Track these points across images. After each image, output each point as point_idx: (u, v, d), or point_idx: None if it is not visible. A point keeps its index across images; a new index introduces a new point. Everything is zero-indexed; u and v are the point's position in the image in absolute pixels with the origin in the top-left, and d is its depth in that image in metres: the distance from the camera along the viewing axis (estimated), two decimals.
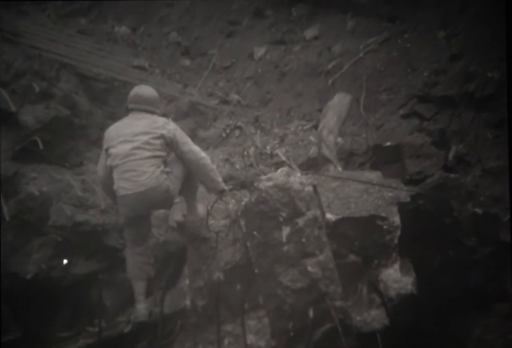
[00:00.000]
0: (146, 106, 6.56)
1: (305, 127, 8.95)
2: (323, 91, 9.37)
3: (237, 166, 8.12)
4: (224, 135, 8.81)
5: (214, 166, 6.75)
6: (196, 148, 6.57)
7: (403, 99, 8.60)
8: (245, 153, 8.32)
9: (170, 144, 6.42)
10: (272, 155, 8.37)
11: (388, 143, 7.83)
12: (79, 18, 11.55)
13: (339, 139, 8.10)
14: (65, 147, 8.02)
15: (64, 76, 8.66)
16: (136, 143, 6.29)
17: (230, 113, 9.36)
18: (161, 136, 6.36)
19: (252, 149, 8.42)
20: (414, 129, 7.96)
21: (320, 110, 8.81)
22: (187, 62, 10.51)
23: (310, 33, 10.39)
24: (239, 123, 9.07)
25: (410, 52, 9.20)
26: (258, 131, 8.98)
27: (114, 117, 8.46)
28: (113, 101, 8.63)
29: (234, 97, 9.75)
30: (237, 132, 8.96)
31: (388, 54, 9.38)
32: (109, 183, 6.47)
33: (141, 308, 6.58)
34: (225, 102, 9.63)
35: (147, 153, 6.30)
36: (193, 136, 8.50)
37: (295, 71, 9.87)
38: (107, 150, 6.43)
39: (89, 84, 8.95)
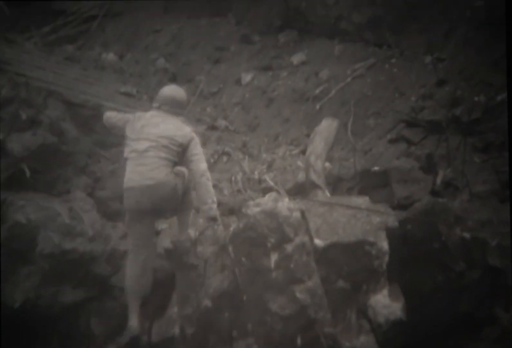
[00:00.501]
0: (176, 109, 7.02)
1: (293, 152, 9.04)
2: (311, 116, 9.48)
3: (225, 192, 8.20)
4: (212, 160, 8.85)
5: (213, 191, 6.83)
6: (203, 164, 6.83)
7: (391, 123, 8.71)
8: (233, 178, 8.42)
9: (183, 150, 6.76)
10: (260, 181, 8.44)
11: (376, 168, 7.94)
12: (66, 45, 11.63)
13: (327, 164, 8.19)
14: (53, 174, 8.06)
15: (51, 103, 8.67)
16: (155, 143, 6.67)
17: (218, 138, 9.45)
18: (180, 145, 6.73)
19: (240, 174, 8.51)
20: (402, 154, 8.06)
21: (307, 135, 8.93)
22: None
23: (297, 58, 10.51)
24: (227, 149, 9.15)
25: (397, 77, 9.35)
26: (246, 157, 9.05)
27: (102, 144, 8.60)
28: (100, 128, 8.61)
29: (222, 122, 9.84)
30: (225, 158, 9.03)
31: (375, 79, 9.52)
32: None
33: (134, 323, 6.61)
34: (212, 127, 9.71)
35: (162, 154, 6.67)
36: None
37: (283, 97, 9.97)
38: (126, 139, 6.85)
39: (76, 111, 8.96)
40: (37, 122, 8.25)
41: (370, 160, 8.24)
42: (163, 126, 6.81)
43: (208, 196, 6.69)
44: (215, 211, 6.72)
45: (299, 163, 8.62)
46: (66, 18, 12.21)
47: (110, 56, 11.30)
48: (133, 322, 6.62)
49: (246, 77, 10.51)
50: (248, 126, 9.81)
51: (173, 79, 10.70)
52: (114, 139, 8.48)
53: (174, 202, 6.76)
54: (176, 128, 6.85)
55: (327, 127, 8.34)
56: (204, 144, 9.14)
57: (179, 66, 11.05)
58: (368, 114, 9.11)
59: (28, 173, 7.76)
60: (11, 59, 9.28)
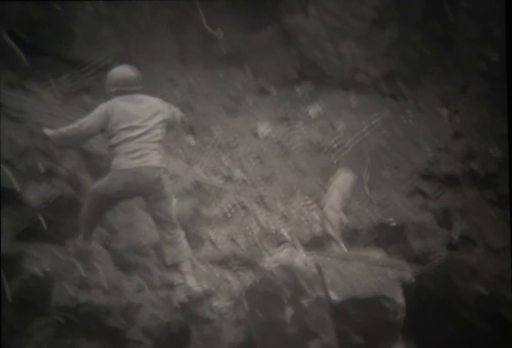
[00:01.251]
0: (138, 87, 7.60)
1: (309, 205, 9.17)
2: (327, 168, 9.64)
3: (241, 246, 8.34)
4: (228, 214, 9.00)
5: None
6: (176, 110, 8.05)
7: (407, 176, 8.87)
8: (249, 232, 8.56)
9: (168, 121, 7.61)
10: (276, 234, 8.57)
11: (392, 221, 8.06)
12: (83, 94, 11.81)
13: (343, 217, 8.32)
14: (69, 226, 8.14)
15: (68, 153, 8.80)
16: (144, 129, 7.26)
17: (234, 191, 9.58)
18: (164, 120, 7.48)
19: (256, 228, 8.65)
20: (418, 207, 8.20)
21: (324, 188, 9.10)
22: (191, 139, 10.73)
23: (313, 110, 10.76)
24: (243, 202, 9.28)
25: (412, 129, 9.51)
26: (262, 210, 9.18)
27: None
28: None
29: (238, 175, 9.98)
30: (241, 211, 9.17)
31: (391, 131, 9.70)
32: (85, 134, 7.63)
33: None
34: (228, 179, 9.85)
35: (152, 138, 7.30)
36: (197, 215, 8.74)
37: (299, 148, 10.15)
38: (111, 130, 7.35)
39: (92, 162, 9.03)
40: (54, 173, 8.34)
41: (386, 213, 8.37)
42: (140, 109, 7.39)
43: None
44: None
45: (315, 216, 8.76)
46: (83, 67, 12.42)
47: None
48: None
49: (262, 128, 10.70)
50: (264, 178, 9.94)
51: (190, 131, 10.88)
52: None
53: (159, 189, 7.36)
54: (151, 106, 7.50)
55: (343, 179, 8.51)
56: (220, 197, 9.33)
57: (194, 116, 11.18)
58: (384, 166, 9.28)
59: (44, 225, 7.80)
60: (28, 108, 9.45)
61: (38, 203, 7.95)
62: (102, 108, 7.55)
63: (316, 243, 8.08)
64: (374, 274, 7.00)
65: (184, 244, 7.45)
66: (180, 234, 7.50)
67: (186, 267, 7.35)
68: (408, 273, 7.04)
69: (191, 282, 7.23)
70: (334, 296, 6.67)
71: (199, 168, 9.79)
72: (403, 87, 10.01)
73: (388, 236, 7.97)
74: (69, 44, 12.67)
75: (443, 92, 9.61)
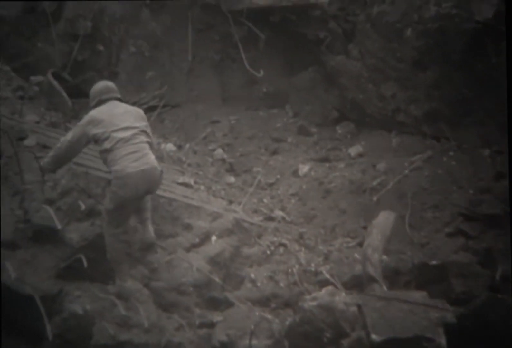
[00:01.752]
0: (117, 94, 7.81)
1: (350, 245, 9.19)
2: (368, 208, 9.67)
3: (281, 284, 8.37)
4: (268, 252, 9.04)
5: None
6: None
7: (449, 217, 8.86)
8: (289, 270, 8.59)
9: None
10: (316, 273, 8.60)
11: (434, 262, 8.04)
12: None
13: (384, 257, 8.33)
14: (109, 265, 8.26)
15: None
16: (135, 130, 7.48)
17: (275, 230, 9.62)
18: (147, 125, 7.75)
19: (296, 266, 8.69)
20: (460, 248, 8.17)
21: (364, 228, 9.14)
22: (232, 179, 10.80)
23: (354, 150, 10.86)
24: (283, 240, 9.33)
25: (454, 170, 9.52)
26: (303, 248, 9.22)
27: (158, 234, 8.80)
28: (158, 218, 8.89)
29: (279, 213, 10.04)
30: (281, 249, 9.20)
31: (433, 171, 9.72)
32: (72, 150, 7.68)
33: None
34: (269, 218, 9.90)
35: (144, 139, 7.56)
36: (237, 253, 8.79)
37: (340, 188, 10.20)
38: (102, 134, 7.41)
39: None
40: (95, 212, 8.42)
41: (427, 253, 8.36)
42: (125, 112, 7.64)
43: None
44: None
45: (356, 255, 8.78)
46: None
47: (169, 147, 11.56)
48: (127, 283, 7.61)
49: (303, 169, 10.78)
50: (304, 218, 9.98)
51: (231, 170, 11.01)
52: (171, 230, 8.79)
53: (158, 187, 7.85)
54: (135, 110, 7.83)
55: (384, 219, 8.54)
56: (260, 235, 9.39)
57: (236, 157, 11.32)
58: (426, 207, 9.28)
59: (85, 263, 7.85)
60: None
61: (79, 241, 8.05)
62: (87, 117, 7.70)
63: (357, 283, 8.09)
64: (415, 314, 6.98)
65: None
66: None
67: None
68: (449, 314, 7.00)
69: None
70: (374, 336, 6.66)
71: (240, 207, 9.87)
72: (445, 128, 10.06)
73: (429, 276, 7.93)
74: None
75: (485, 132, 9.63)
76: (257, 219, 9.78)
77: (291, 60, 12.34)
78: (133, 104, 12.28)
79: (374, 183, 10.00)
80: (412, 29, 10.45)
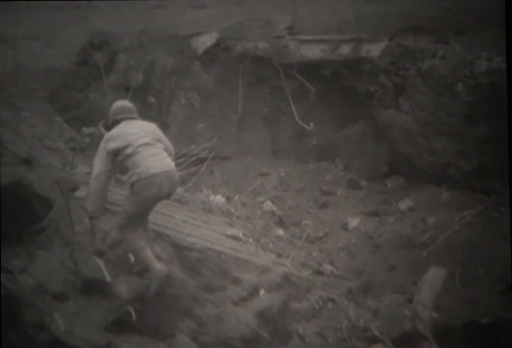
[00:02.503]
0: (131, 114, 8.17)
1: (399, 301, 9.18)
2: (418, 263, 9.67)
3: (330, 340, 8.40)
4: (317, 307, 9.09)
5: None
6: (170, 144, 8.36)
7: (500, 273, 8.82)
8: (338, 326, 8.62)
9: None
10: (365, 329, 8.61)
11: (485, 320, 8.02)
12: None
13: (434, 314, 8.32)
14: (158, 318, 8.22)
15: (159, 245, 9.12)
16: (152, 137, 7.93)
17: (323, 284, 9.68)
18: (162, 138, 8.12)
19: (345, 322, 8.72)
20: (511, 305, 8.13)
21: (414, 283, 9.16)
22: (280, 232, 10.90)
23: (404, 204, 10.95)
24: (332, 295, 9.38)
25: (505, 226, 9.50)
26: (351, 304, 9.26)
27: (207, 288, 8.90)
28: (206, 271, 9.01)
29: (328, 267, 10.10)
30: (330, 304, 9.24)
31: (483, 227, 9.73)
32: (105, 176, 7.88)
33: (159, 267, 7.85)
34: (318, 273, 9.96)
35: (161, 146, 7.98)
36: (286, 308, 8.84)
37: (389, 243, 10.25)
38: (122, 144, 7.79)
39: (183, 254, 9.30)
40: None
41: (478, 311, 8.33)
42: (141, 127, 8.05)
43: None
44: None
45: (406, 312, 8.77)
46: (176, 160, 12.88)
47: (218, 198, 11.70)
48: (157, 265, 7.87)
49: (353, 222, 10.87)
50: (353, 272, 10.02)
51: (280, 223, 11.11)
52: (220, 283, 8.89)
53: (176, 190, 8.23)
54: (150, 126, 8.16)
55: (434, 275, 8.58)
56: (309, 289, 9.45)
57: (285, 210, 11.43)
58: (477, 263, 9.27)
59: (134, 316, 7.96)
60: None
61: (128, 293, 8.13)
62: (104, 138, 8.05)
63: (406, 340, 8.09)
64: None
65: None
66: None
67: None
68: None
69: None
70: None
71: (288, 261, 9.95)
72: (496, 183, 10.10)
73: (479, 334, 7.92)
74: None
75: None
76: (305, 273, 9.84)
77: (341, 113, 12.51)
78: (183, 155, 12.66)
79: (424, 238, 10.02)
80: (463, 83, 10.57)
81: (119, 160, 7.89)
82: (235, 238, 10.28)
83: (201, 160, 12.72)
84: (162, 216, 9.90)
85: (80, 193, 9.03)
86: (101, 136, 11.16)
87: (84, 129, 11.72)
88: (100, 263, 8.13)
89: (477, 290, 8.82)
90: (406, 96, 11.39)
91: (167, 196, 8.03)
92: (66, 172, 9.62)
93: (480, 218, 9.93)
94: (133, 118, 8.20)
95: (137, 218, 8.05)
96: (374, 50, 11.89)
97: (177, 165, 12.37)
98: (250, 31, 13.14)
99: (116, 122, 8.15)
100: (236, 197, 11.89)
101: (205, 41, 13.23)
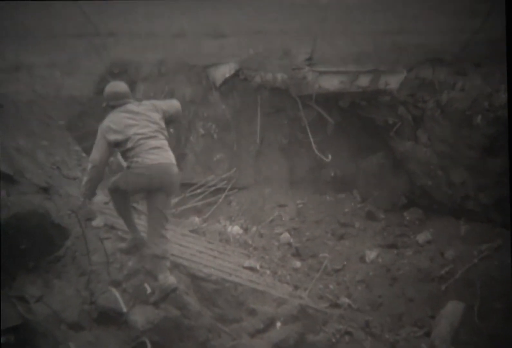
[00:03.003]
0: (127, 100, 8.26)
1: (417, 334, 9.21)
2: (436, 297, 9.71)
3: None
4: (333, 340, 9.09)
5: None
6: (172, 101, 8.57)
7: None
8: None
9: (161, 116, 8.23)
10: None
11: None
12: (193, 217, 12.26)
13: None
14: None
15: (176, 276, 9.13)
16: (151, 128, 8.03)
17: (340, 317, 9.69)
18: (162, 117, 8.22)
19: None
20: None
21: (432, 317, 9.20)
22: (298, 263, 10.94)
23: (422, 237, 10.99)
24: (349, 328, 9.38)
25: None
26: (369, 337, 9.27)
27: (223, 319, 8.95)
28: (223, 303, 9.05)
29: (345, 300, 10.12)
30: (347, 338, 9.25)
31: (502, 260, 9.75)
32: (104, 165, 8.17)
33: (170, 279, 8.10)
34: (335, 305, 9.99)
35: (163, 137, 8.11)
36: (302, 340, 8.87)
37: (407, 276, 10.28)
38: (122, 138, 7.98)
39: (199, 285, 9.32)
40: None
41: (497, 345, 8.33)
42: (139, 116, 8.12)
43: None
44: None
45: (423, 346, 8.80)
46: (194, 190, 12.99)
47: (236, 229, 11.76)
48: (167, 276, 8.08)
49: (371, 255, 10.91)
50: (371, 305, 10.05)
51: (297, 254, 11.15)
52: (236, 314, 8.94)
53: (175, 185, 8.18)
54: (144, 110, 8.18)
55: (452, 309, 8.62)
56: (325, 322, 9.47)
57: (303, 241, 11.46)
58: (495, 297, 9.28)
59: (149, 347, 7.98)
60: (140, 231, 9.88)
61: (144, 324, 8.20)
62: (102, 127, 8.18)
63: None
64: None
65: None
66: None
67: (168, 263, 8.26)
68: None
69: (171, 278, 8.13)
70: None
71: (305, 293, 9.98)
72: None
73: None
74: (181, 167, 13.36)
75: None
76: (322, 305, 9.87)
77: (359, 145, 12.58)
78: (201, 186, 12.76)
79: (442, 271, 10.06)
80: (482, 116, 10.63)
81: (120, 150, 8.18)
82: (252, 269, 10.33)
83: (219, 191, 12.85)
84: (179, 246, 10.00)
85: (97, 222, 9.12)
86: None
87: None
88: (117, 293, 8.22)
89: (496, 324, 8.83)
90: (425, 128, 11.46)
91: (160, 188, 8.11)
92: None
93: (499, 252, 9.95)
94: (127, 103, 8.32)
95: (124, 194, 8.33)
96: (392, 82, 11.96)
97: (195, 195, 12.65)
98: (268, 62, 13.28)
99: (111, 107, 8.33)
100: (254, 228, 11.95)
101: (224, 72, 13.38)
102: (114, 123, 8.13)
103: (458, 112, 10.96)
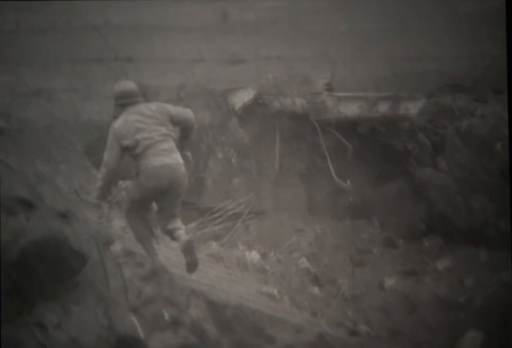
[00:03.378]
0: (136, 99, 8.30)
1: None
2: (455, 325, 9.68)
3: None
4: None
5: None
6: (186, 110, 8.54)
7: None
8: None
9: (170, 119, 8.30)
10: None
11: None
12: (211, 242, 12.30)
13: None
14: None
15: (193, 302, 9.13)
16: (159, 131, 8.14)
17: (358, 344, 9.67)
18: (167, 119, 8.26)
19: None
20: None
21: (451, 346, 9.16)
22: (316, 290, 10.95)
23: (442, 264, 10.98)
24: None
25: None
26: None
27: (241, 346, 8.93)
28: (240, 329, 9.06)
29: (363, 327, 10.10)
30: None
31: None
32: (118, 168, 8.28)
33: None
34: (353, 333, 9.96)
35: (171, 139, 8.21)
36: None
37: (426, 303, 10.26)
38: (131, 143, 8.11)
39: (217, 311, 9.25)
40: (179, 322, 8.61)
41: None
42: (147, 118, 8.20)
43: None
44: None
45: None
46: (212, 215, 13.05)
47: (253, 255, 11.77)
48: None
49: (389, 281, 10.89)
50: (390, 333, 10.01)
51: (315, 280, 11.16)
52: (254, 341, 8.91)
53: (183, 185, 8.31)
54: (153, 111, 8.26)
55: (472, 338, 8.61)
56: None
57: (321, 267, 11.47)
58: None
59: None
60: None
61: None
62: (114, 130, 8.27)
63: None
64: None
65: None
66: (181, 225, 8.63)
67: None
68: None
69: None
70: None
71: (324, 320, 9.98)
72: None
73: None
74: (200, 192, 13.45)
75: None
76: (340, 332, 9.86)
77: (378, 170, 12.63)
78: (219, 210, 12.82)
79: (462, 299, 10.06)
80: (502, 143, 10.67)
81: (130, 154, 8.30)
82: (270, 295, 10.33)
83: (237, 216, 12.84)
84: (197, 272, 10.01)
85: (115, 247, 9.17)
86: None
87: (120, 183, 11.91)
88: (135, 320, 8.21)
89: None
90: (444, 155, 11.51)
91: (170, 188, 8.25)
92: (102, 225, 9.77)
93: None
94: (137, 102, 8.40)
95: (141, 205, 8.48)
96: (412, 107, 12.03)
97: (213, 220, 12.71)
98: (287, 87, 13.38)
99: (120, 106, 8.39)
100: (272, 254, 11.95)
101: (243, 97, 13.49)
102: (125, 127, 8.24)
103: (477, 138, 11.02)
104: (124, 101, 8.34)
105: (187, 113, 8.54)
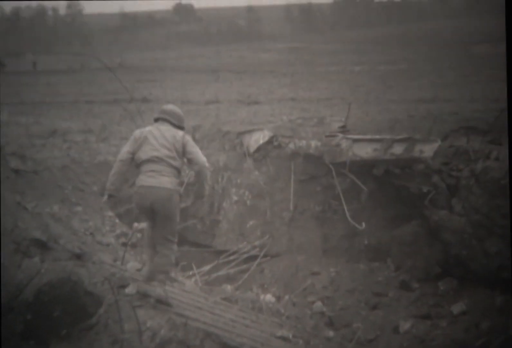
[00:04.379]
0: (172, 119, 8.91)
1: None
2: None
3: None
4: None
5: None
6: (202, 155, 8.83)
7: None
8: None
9: (182, 150, 8.77)
10: None
11: None
12: (226, 285, 12.37)
13: None
14: None
15: (208, 345, 9.17)
16: (161, 152, 8.66)
17: None
18: (178, 150, 8.73)
19: None
20: None
21: None
22: (331, 333, 11.01)
23: (457, 308, 11.02)
24: None
25: None
26: None
27: None
28: None
29: None
30: None
31: None
32: (129, 162, 8.83)
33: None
34: None
35: (170, 163, 8.67)
36: None
37: (442, 347, 10.34)
38: (137, 151, 8.76)
39: None
40: None
41: None
42: (163, 134, 8.78)
43: (206, 180, 8.92)
44: (206, 191, 9.03)
45: None
46: (227, 257, 13.20)
47: (268, 298, 11.86)
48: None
49: (404, 325, 10.94)
50: None
51: (330, 324, 11.25)
52: None
53: (168, 209, 8.71)
54: (172, 136, 8.77)
55: None
56: None
57: (336, 311, 11.56)
58: None
59: None
60: (171, 299, 10.08)
61: None
62: (137, 134, 8.90)
63: None
64: None
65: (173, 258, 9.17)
66: (174, 250, 9.09)
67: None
68: None
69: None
70: None
71: None
72: None
73: None
74: (215, 234, 13.64)
75: None
76: None
77: (393, 213, 12.76)
78: (234, 253, 12.98)
79: (478, 343, 10.11)
80: None
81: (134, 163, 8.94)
82: (285, 339, 10.33)
83: (252, 258, 13.04)
84: (211, 315, 10.07)
85: (130, 290, 9.27)
86: None
87: (135, 224, 12.12)
88: None
89: None
90: (459, 197, 11.62)
91: (154, 209, 8.73)
92: (116, 268, 9.93)
93: None
94: (167, 120, 8.92)
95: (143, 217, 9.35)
96: (427, 150, 12.19)
97: (228, 262, 12.86)
98: (302, 129, 13.64)
99: (155, 120, 9.02)
100: (286, 297, 12.07)
101: (258, 139, 13.74)
102: (141, 133, 8.86)
103: (493, 181, 11.13)
104: (157, 116, 9.01)
105: (201, 157, 8.84)
